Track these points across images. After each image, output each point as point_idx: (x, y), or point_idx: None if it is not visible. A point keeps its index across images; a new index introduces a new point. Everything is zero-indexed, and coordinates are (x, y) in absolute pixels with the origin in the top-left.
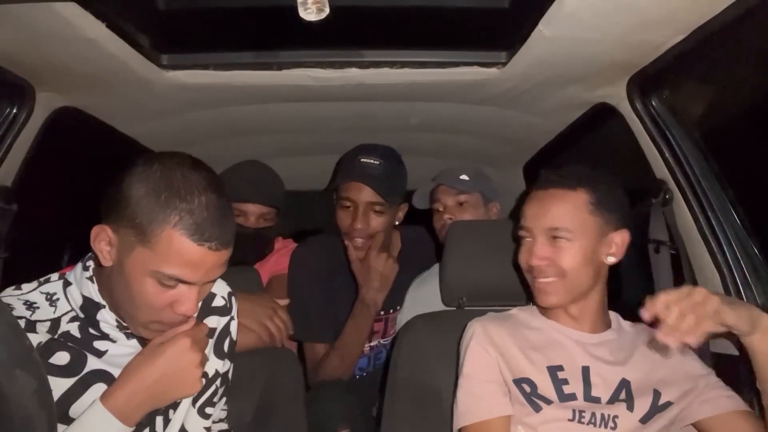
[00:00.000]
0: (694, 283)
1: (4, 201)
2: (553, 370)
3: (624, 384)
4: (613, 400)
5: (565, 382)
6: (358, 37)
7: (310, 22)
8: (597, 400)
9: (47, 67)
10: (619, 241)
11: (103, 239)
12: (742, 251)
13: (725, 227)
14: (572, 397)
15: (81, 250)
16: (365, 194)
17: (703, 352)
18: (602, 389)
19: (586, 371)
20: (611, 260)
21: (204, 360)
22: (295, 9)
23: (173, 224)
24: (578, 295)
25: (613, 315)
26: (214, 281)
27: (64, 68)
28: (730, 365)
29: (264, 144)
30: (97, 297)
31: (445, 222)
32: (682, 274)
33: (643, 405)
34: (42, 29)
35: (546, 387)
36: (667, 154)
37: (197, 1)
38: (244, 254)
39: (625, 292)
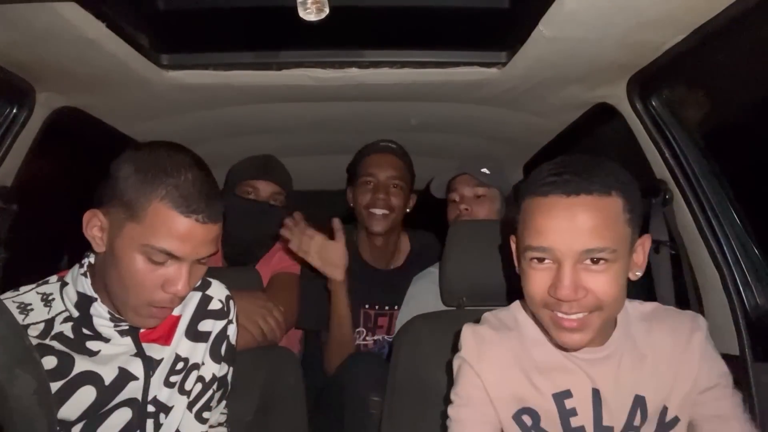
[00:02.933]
0: (694, 283)
1: (4, 201)
2: (560, 398)
3: (638, 402)
4: (627, 428)
5: (573, 412)
6: (358, 37)
7: (309, 22)
8: (609, 430)
9: (47, 67)
10: (641, 250)
11: (95, 225)
12: (742, 251)
13: (725, 227)
14: (581, 430)
15: (81, 251)
16: (386, 170)
17: None
18: (615, 415)
19: (596, 395)
20: (638, 274)
21: None
22: (294, 9)
23: (161, 198)
24: (609, 326)
25: None
26: (205, 262)
27: (64, 68)
28: (730, 365)
29: (264, 144)
30: (90, 291)
31: (461, 212)
32: (682, 274)
33: (651, 428)
34: (42, 29)
35: (551, 419)
36: (667, 154)
37: (197, 1)
38: (254, 228)
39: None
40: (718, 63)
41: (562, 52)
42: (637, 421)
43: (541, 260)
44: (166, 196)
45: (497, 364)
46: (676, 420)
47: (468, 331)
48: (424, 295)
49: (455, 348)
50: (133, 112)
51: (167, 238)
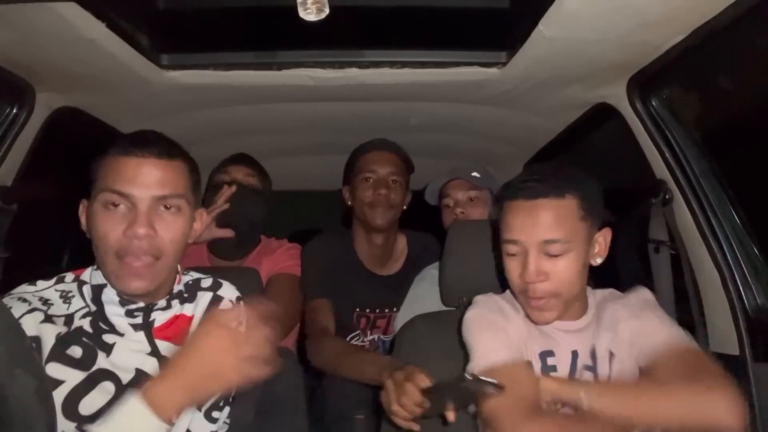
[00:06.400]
0: (694, 283)
1: (4, 201)
2: (544, 356)
3: (591, 350)
4: (581, 371)
5: (554, 368)
6: (358, 37)
7: (309, 22)
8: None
9: (47, 67)
10: (602, 241)
11: (84, 213)
12: (742, 251)
13: (725, 227)
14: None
15: (81, 250)
16: (385, 165)
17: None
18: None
19: (575, 355)
20: (598, 261)
21: (242, 351)
22: (294, 9)
23: (111, 153)
24: (570, 306)
25: (588, 291)
26: (170, 207)
27: (64, 68)
28: (730, 365)
29: (264, 144)
30: (101, 279)
31: (457, 216)
32: (682, 274)
33: (603, 368)
34: (42, 29)
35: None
36: (667, 154)
37: (197, 1)
38: (232, 210)
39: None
40: (718, 63)
41: (562, 52)
42: (588, 363)
43: (513, 252)
44: (114, 149)
45: (512, 320)
46: (614, 357)
47: (483, 297)
48: (426, 297)
49: (456, 347)
50: (133, 112)
51: (115, 179)
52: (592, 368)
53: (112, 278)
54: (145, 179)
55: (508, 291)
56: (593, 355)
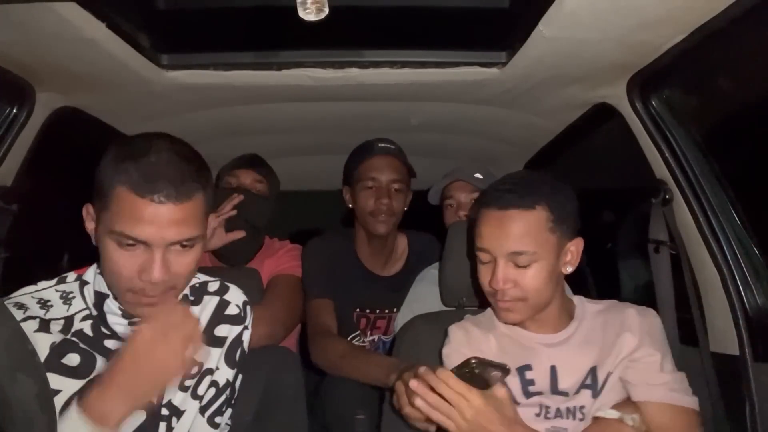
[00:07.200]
0: (694, 283)
1: (4, 201)
2: (522, 370)
3: (591, 371)
4: (579, 389)
5: (532, 382)
6: (358, 37)
7: (309, 22)
8: (565, 394)
9: (47, 67)
10: (574, 250)
11: (89, 219)
12: (742, 251)
13: (725, 227)
14: (538, 394)
15: (81, 251)
16: (388, 172)
17: (702, 352)
18: (569, 384)
19: (553, 370)
20: (569, 269)
21: (180, 344)
22: (294, 9)
23: (121, 181)
24: (540, 310)
25: (577, 300)
26: (189, 246)
27: (64, 68)
28: (730, 365)
29: (264, 144)
30: (104, 288)
31: (460, 218)
32: (682, 274)
33: (602, 386)
34: (42, 29)
35: (514, 388)
36: (667, 154)
37: (197, 1)
38: (237, 216)
39: (624, 292)
40: (718, 63)
41: (562, 52)
42: (588, 381)
43: (484, 260)
44: (126, 179)
45: (477, 345)
46: (608, 374)
47: (455, 328)
48: (426, 297)
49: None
50: (133, 112)
51: (129, 222)
52: (592, 386)
53: (123, 303)
54: (162, 226)
55: (488, 310)
56: (594, 377)
